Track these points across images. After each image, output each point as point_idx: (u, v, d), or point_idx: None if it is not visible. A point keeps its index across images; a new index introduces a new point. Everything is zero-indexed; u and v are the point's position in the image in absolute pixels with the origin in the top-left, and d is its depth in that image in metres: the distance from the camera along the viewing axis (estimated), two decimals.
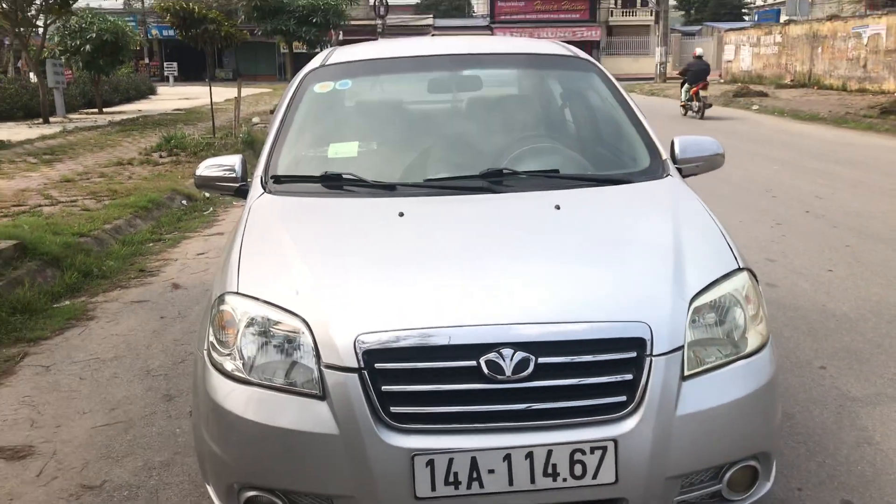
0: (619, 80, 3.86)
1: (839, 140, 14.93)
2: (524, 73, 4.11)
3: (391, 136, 3.66)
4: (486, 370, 2.15)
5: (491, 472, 2.13)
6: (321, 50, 23.49)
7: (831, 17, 30.79)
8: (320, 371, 2.22)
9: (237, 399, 2.30)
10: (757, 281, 2.60)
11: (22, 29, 20.57)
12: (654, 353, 2.21)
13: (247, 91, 28.78)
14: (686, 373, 2.26)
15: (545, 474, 2.14)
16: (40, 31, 22.19)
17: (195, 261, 6.87)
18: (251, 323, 2.37)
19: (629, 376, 2.20)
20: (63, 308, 5.55)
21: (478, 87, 3.90)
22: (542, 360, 2.17)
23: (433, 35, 53.26)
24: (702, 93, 19.71)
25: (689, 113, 20.44)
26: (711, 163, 3.52)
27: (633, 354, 2.21)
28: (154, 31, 54.89)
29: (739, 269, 2.54)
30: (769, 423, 2.43)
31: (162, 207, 8.98)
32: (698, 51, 22.09)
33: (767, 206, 8.57)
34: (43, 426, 3.78)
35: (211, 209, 9.31)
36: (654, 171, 3.24)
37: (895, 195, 9.03)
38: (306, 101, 3.65)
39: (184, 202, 9.50)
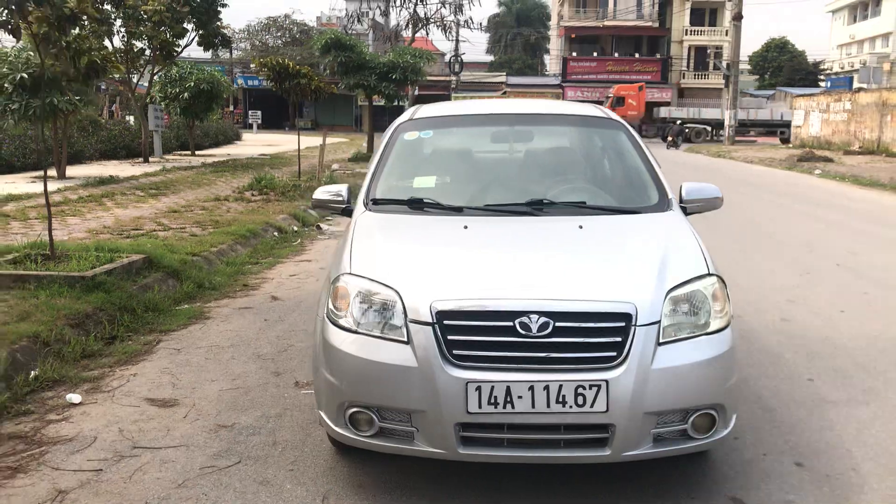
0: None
1: (893, 205, 15.47)
2: (566, 129, 5.18)
3: (461, 173, 4.74)
4: (519, 329, 3.15)
5: (520, 398, 3.11)
6: (398, 103, 24.74)
7: None
8: (406, 324, 3.25)
9: (349, 344, 3.35)
10: (725, 285, 3.54)
11: (130, 76, 22.70)
12: (637, 324, 3.19)
13: (327, 140, 30.49)
14: (661, 340, 3.22)
15: (556, 402, 3.11)
16: (136, 78, 24.32)
17: (289, 280, 8.04)
18: (358, 294, 3.43)
19: (619, 339, 3.17)
20: (183, 310, 6.73)
21: (530, 138, 4.98)
22: (558, 324, 3.16)
23: (505, 92, 54.75)
24: (671, 139, 40.30)
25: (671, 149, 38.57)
26: (711, 203, 4.49)
27: (623, 324, 3.19)
28: (240, 81, 57.91)
29: (709, 274, 3.50)
30: (724, 383, 3.35)
31: (258, 237, 10.24)
32: (679, 121, 44.36)
33: (802, 258, 9.34)
34: (182, 388, 4.89)
35: (299, 241, 10.55)
36: (661, 206, 4.23)
37: None
38: (398, 145, 4.77)
39: (275, 234, 10.75)
